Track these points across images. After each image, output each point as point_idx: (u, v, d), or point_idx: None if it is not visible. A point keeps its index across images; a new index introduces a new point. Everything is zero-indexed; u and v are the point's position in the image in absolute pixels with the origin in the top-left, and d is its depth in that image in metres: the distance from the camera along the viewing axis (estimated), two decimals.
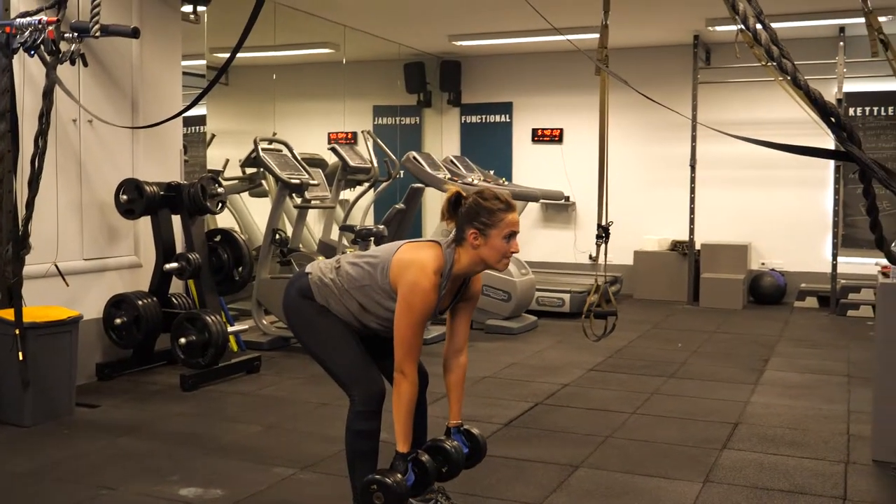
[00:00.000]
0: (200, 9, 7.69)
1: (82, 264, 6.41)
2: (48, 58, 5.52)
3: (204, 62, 8.47)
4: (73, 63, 5.50)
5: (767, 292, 10.92)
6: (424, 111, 12.76)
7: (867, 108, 10.56)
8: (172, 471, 4.48)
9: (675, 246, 11.25)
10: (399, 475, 3.32)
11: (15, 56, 5.50)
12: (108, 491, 4.19)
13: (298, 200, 7.98)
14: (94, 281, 6.51)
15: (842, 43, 10.00)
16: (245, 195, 9.61)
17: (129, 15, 6.67)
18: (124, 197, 6.46)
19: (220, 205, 6.77)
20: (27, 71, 5.85)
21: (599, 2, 5.63)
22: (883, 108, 10.51)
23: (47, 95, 5.62)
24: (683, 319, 9.78)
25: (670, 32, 10.62)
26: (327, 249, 8.60)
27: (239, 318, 8.04)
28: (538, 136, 12.38)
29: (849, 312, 10.00)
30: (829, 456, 4.82)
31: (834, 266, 10.29)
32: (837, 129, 3.66)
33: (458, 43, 11.28)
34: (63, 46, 5.44)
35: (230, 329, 6.65)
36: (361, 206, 9.15)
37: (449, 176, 8.98)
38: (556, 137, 12.25)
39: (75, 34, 5.50)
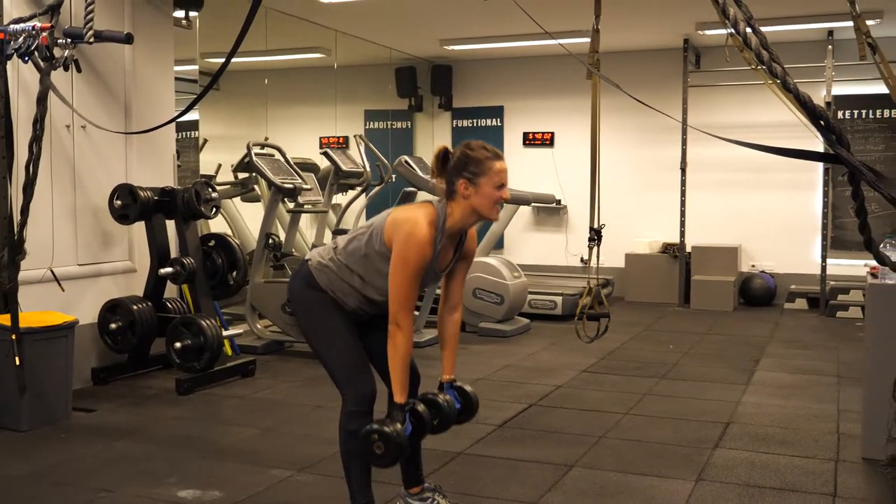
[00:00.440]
0: (192, 14, 7.72)
1: (77, 269, 6.43)
2: (42, 64, 5.55)
3: (196, 67, 8.50)
4: (66, 69, 5.53)
5: (758, 294, 10.99)
6: (416, 115, 12.80)
7: (856, 111, 10.64)
8: (170, 473, 4.51)
9: (667, 248, 11.31)
10: (398, 425, 3.35)
11: (8, 62, 5.53)
12: (107, 494, 4.22)
13: (291, 205, 8.02)
14: (88, 286, 6.53)
15: (831, 46, 10.09)
16: (237, 200, 9.63)
17: (121, 20, 6.70)
18: (118, 202, 6.49)
19: (214, 209, 6.80)
20: (20, 77, 5.87)
21: (590, 6, 5.67)
22: (871, 111, 10.59)
23: (41, 101, 5.66)
24: (675, 321, 9.84)
25: (661, 36, 10.68)
26: None
27: (233, 322, 8.06)
28: (529, 140, 12.44)
29: (838, 314, 10.07)
30: (819, 454, 4.87)
31: (823, 268, 10.36)
32: (826, 131, 3.72)
33: (450, 47, 11.33)
34: (57, 52, 5.46)
35: (225, 333, 6.68)
36: (354, 210, 9.19)
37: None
38: (547, 141, 12.31)
39: (69, 40, 5.52)
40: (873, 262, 4.73)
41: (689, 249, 11.13)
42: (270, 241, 7.80)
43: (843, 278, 10.32)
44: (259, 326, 7.88)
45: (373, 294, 3.56)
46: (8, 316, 5.33)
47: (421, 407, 3.50)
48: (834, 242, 10.61)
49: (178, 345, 6.26)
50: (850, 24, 5.03)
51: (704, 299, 10.75)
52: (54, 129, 6.18)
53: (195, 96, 8.08)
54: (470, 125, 12.78)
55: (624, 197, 11.40)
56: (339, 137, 11.21)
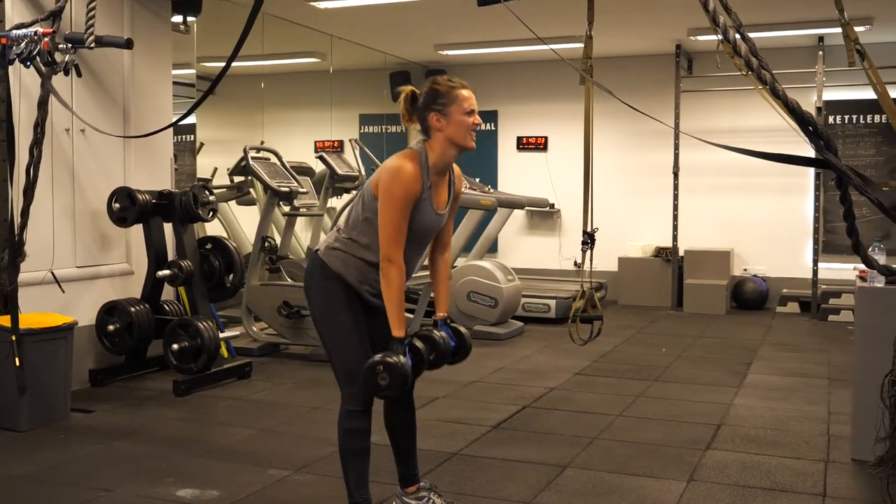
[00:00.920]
0: (190, 19, 7.78)
1: (75, 272, 6.48)
2: (44, 68, 5.61)
3: (193, 71, 8.56)
4: (66, 74, 5.58)
5: (750, 298, 11.07)
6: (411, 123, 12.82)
7: (846, 117, 10.74)
8: (168, 473, 4.57)
9: (659, 252, 11.39)
10: (401, 356, 3.41)
11: (10, 67, 5.60)
12: (106, 493, 4.28)
13: (287, 208, 8.08)
14: (86, 288, 6.58)
15: (821, 52, 10.18)
16: (233, 203, 9.69)
17: (120, 26, 6.76)
18: (117, 205, 6.55)
19: (211, 213, 6.86)
20: (21, 81, 5.93)
21: (583, 12, 5.74)
22: (862, 117, 10.69)
23: (42, 105, 5.72)
24: (667, 325, 9.92)
25: (653, 42, 10.76)
26: None
27: (228, 324, 8.12)
28: (523, 144, 12.51)
29: (830, 317, 10.16)
30: (809, 455, 4.95)
31: (815, 272, 10.45)
32: (815, 137, 3.80)
33: (444, 52, 11.40)
34: (58, 57, 5.53)
35: (221, 335, 6.73)
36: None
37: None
38: (540, 145, 12.39)
39: (70, 45, 5.59)
40: (863, 266, 4.83)
41: (681, 253, 11.20)
42: (266, 244, 7.86)
43: (835, 282, 10.41)
44: (255, 329, 7.93)
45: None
46: (8, 317, 5.39)
47: (419, 343, 3.59)
48: (825, 247, 10.70)
49: (175, 346, 6.32)
50: (840, 30, 5.10)
51: (697, 303, 10.83)
52: (54, 133, 6.24)
53: (192, 100, 8.17)
54: None
55: (617, 201, 11.48)
56: (334, 141, 11.28)
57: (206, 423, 5.64)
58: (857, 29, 5.52)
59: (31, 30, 5.46)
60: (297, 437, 5.27)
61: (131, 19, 6.89)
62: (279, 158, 8.13)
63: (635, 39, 10.66)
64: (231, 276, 7.06)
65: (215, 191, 8.10)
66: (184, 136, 8.88)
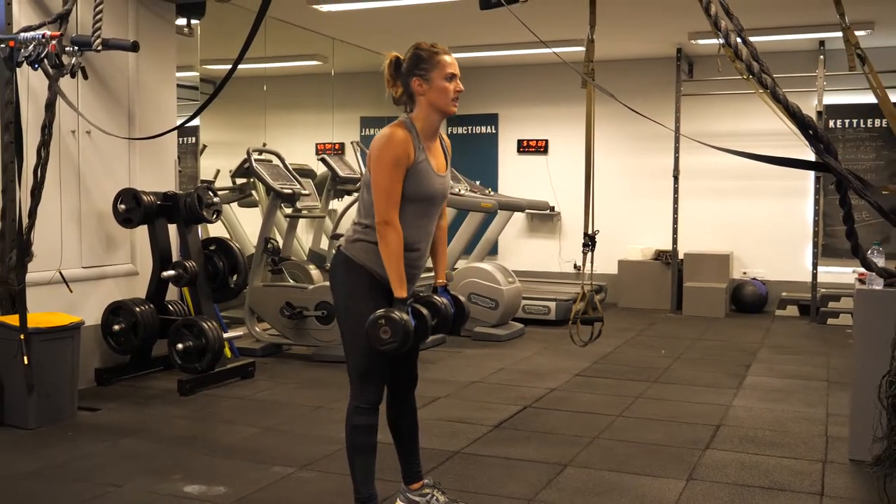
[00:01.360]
0: (194, 22, 7.84)
1: (81, 272, 6.54)
2: (51, 71, 5.68)
3: (197, 74, 8.62)
4: (73, 76, 5.66)
5: (749, 301, 11.12)
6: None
7: (847, 121, 10.79)
8: (175, 470, 4.63)
9: (659, 255, 11.44)
10: (404, 314, 3.46)
11: (17, 69, 5.65)
12: (115, 489, 4.34)
13: (289, 210, 8.14)
14: (92, 288, 6.64)
15: (822, 56, 10.24)
16: (234, 205, 9.74)
17: (125, 28, 6.82)
18: (122, 206, 6.61)
19: (215, 214, 6.91)
20: (29, 83, 5.99)
21: (583, 15, 5.78)
22: (862, 121, 10.75)
23: (50, 107, 5.79)
24: (667, 327, 9.97)
25: (654, 45, 10.82)
26: (317, 258, 8.77)
27: (231, 325, 8.17)
28: (524, 147, 12.57)
29: (829, 321, 10.21)
30: (807, 455, 5.01)
31: (814, 275, 10.51)
32: (815, 140, 3.85)
33: None
34: (65, 60, 5.60)
35: (224, 335, 6.78)
36: (351, 215, 9.30)
37: None
38: (541, 148, 12.45)
39: (76, 48, 5.66)
40: (862, 269, 4.88)
41: (681, 256, 11.26)
42: (269, 245, 7.91)
43: (834, 286, 10.47)
44: (258, 329, 7.99)
45: (410, 238, 3.65)
46: (16, 316, 5.45)
47: (423, 309, 3.64)
48: (825, 250, 10.76)
49: (180, 346, 6.38)
50: (841, 34, 5.16)
51: (696, 306, 10.88)
52: (60, 135, 6.29)
53: (195, 102, 8.23)
54: (465, 132, 12.91)
55: (617, 204, 11.55)
56: (335, 143, 11.33)
57: (210, 421, 5.69)
58: (857, 33, 5.57)
59: (39, 33, 5.53)
60: (301, 436, 5.33)
61: (136, 22, 6.95)
62: (282, 160, 8.19)
63: (636, 43, 10.72)
64: (235, 276, 7.12)
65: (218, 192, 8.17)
66: (186, 139, 8.93)
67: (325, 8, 8.72)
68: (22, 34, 5.56)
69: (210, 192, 6.87)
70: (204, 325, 6.38)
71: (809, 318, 10.47)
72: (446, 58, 3.67)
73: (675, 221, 11.16)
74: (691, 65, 11.37)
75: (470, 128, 12.90)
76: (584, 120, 5.94)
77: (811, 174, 10.68)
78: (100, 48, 5.61)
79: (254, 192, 9.45)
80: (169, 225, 6.90)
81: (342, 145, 11.27)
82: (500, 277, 8.90)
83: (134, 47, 5.80)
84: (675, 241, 11.19)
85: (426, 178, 3.63)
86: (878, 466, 4.21)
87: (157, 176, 7.18)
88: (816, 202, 10.67)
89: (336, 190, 9.24)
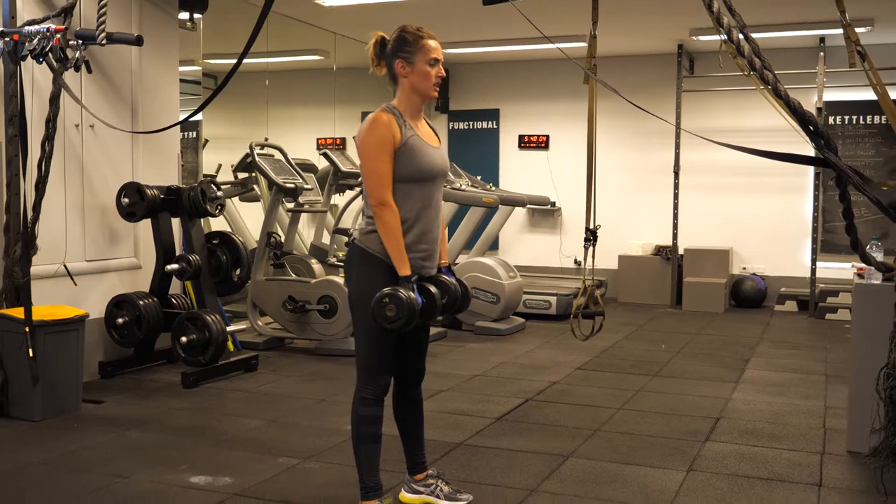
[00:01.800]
0: (197, 16, 7.87)
1: (85, 265, 6.58)
2: (55, 64, 5.71)
3: (199, 68, 8.65)
4: (77, 70, 5.68)
5: (749, 296, 11.17)
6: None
7: (847, 117, 10.84)
8: (181, 461, 4.67)
9: (659, 251, 11.49)
10: (410, 292, 3.51)
11: (21, 63, 5.69)
12: (122, 479, 4.38)
13: (291, 205, 8.18)
14: (95, 282, 6.68)
15: (822, 53, 10.28)
16: (236, 199, 9.78)
17: (129, 22, 6.85)
18: (126, 200, 6.64)
19: (219, 208, 6.95)
20: (33, 77, 6.03)
21: (585, 11, 5.81)
22: (862, 117, 10.79)
23: (54, 101, 5.83)
24: (667, 322, 10.02)
25: (655, 41, 10.86)
26: (319, 253, 8.81)
27: (233, 319, 8.20)
28: (525, 143, 12.61)
29: (827, 316, 10.26)
30: (806, 447, 5.05)
31: (813, 271, 10.56)
32: (815, 136, 3.90)
33: (447, 50, 11.46)
34: (69, 53, 5.63)
35: (227, 329, 6.82)
36: (352, 210, 9.35)
37: None
38: (542, 144, 12.48)
39: (81, 42, 5.69)
40: (861, 264, 4.93)
41: (681, 251, 11.31)
42: (271, 239, 7.95)
43: (833, 281, 10.52)
44: (260, 323, 8.03)
45: (419, 218, 3.70)
46: (21, 309, 5.49)
47: (432, 287, 3.68)
48: (824, 246, 10.81)
49: (183, 339, 6.42)
50: (841, 31, 5.19)
51: (696, 301, 10.93)
52: (64, 129, 6.33)
53: (198, 97, 8.27)
54: (466, 127, 12.95)
55: (618, 199, 11.58)
56: (337, 138, 11.37)
57: (215, 413, 5.73)
58: (858, 30, 5.60)
59: (44, 26, 5.56)
60: (305, 428, 5.37)
61: (139, 16, 6.98)
62: (284, 155, 8.23)
63: (638, 39, 10.75)
64: (238, 270, 7.16)
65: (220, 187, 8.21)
66: (188, 133, 8.96)
67: (327, 3, 8.75)
68: (26, 28, 5.59)
69: (213, 186, 6.91)
70: (207, 318, 6.42)
71: (808, 313, 10.52)
72: (431, 42, 3.72)
73: (676, 217, 11.20)
74: (692, 61, 11.40)
75: (471, 123, 12.93)
76: (584, 116, 5.99)
77: (811, 170, 10.73)
78: (104, 42, 5.63)
79: (256, 186, 9.49)
80: (172, 219, 6.94)
81: (344, 140, 11.31)
82: (502, 272, 8.94)
83: (138, 41, 5.83)
84: (675, 237, 11.24)
85: (421, 152, 3.68)
86: (874, 457, 4.26)
87: (161, 170, 7.22)
88: (816, 198, 10.71)
89: (338, 184, 9.27)
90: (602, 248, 6.88)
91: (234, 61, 5.77)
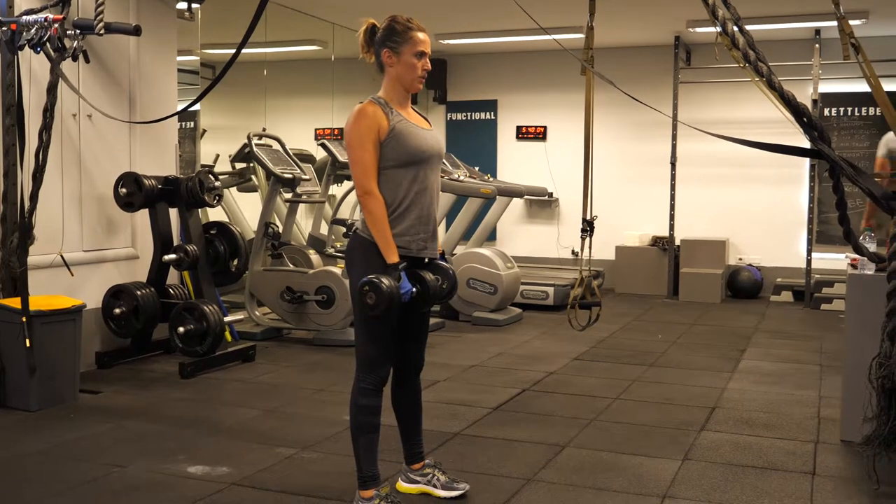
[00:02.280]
0: (195, 6, 7.87)
1: (82, 255, 6.59)
2: (53, 54, 5.71)
3: (197, 58, 8.65)
4: (75, 59, 5.68)
5: (745, 287, 11.20)
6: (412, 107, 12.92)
7: (842, 109, 10.85)
8: (179, 451, 4.69)
9: (656, 241, 11.51)
10: (393, 281, 3.54)
11: (20, 52, 5.70)
12: (119, 469, 4.40)
13: (289, 195, 8.19)
14: (92, 272, 6.69)
15: (817, 45, 10.29)
16: (234, 190, 9.79)
17: (126, 12, 6.85)
18: (123, 190, 6.65)
19: (216, 198, 6.96)
20: (31, 66, 6.03)
21: (583, 3, 5.83)
22: (857, 109, 10.81)
23: (52, 91, 5.83)
24: (663, 312, 10.05)
25: (652, 33, 10.86)
26: (317, 243, 8.82)
27: (231, 309, 8.22)
28: (522, 134, 12.62)
29: (822, 306, 10.29)
30: (800, 436, 5.09)
31: (808, 261, 10.58)
32: (809, 128, 3.92)
33: (445, 41, 11.48)
34: (67, 43, 5.62)
35: (225, 319, 6.84)
36: (350, 200, 9.35)
37: None
38: (539, 135, 12.49)
39: (78, 31, 5.68)
40: (854, 254, 4.96)
41: (678, 242, 11.33)
42: (270, 230, 7.96)
43: (828, 272, 10.54)
44: (258, 313, 8.05)
45: (415, 202, 3.73)
46: (18, 299, 5.51)
47: (429, 275, 3.73)
48: (819, 237, 10.84)
49: (181, 329, 6.43)
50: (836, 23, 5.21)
51: (693, 291, 10.96)
52: (62, 118, 6.33)
53: (196, 87, 8.27)
54: (464, 118, 12.96)
55: (615, 190, 11.59)
56: (335, 129, 11.37)
57: (212, 403, 5.75)
58: (852, 22, 5.63)
59: (42, 16, 5.56)
60: (303, 418, 5.40)
61: (137, 6, 6.98)
62: (282, 145, 8.24)
63: (635, 31, 10.76)
64: (235, 260, 7.18)
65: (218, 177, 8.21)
66: (186, 123, 8.96)
67: None
68: (24, 17, 5.59)
69: (211, 177, 6.92)
70: (205, 308, 6.44)
71: (804, 303, 10.56)
72: (419, 35, 3.74)
73: (672, 208, 11.22)
74: (689, 52, 11.41)
75: (469, 114, 12.94)
76: (582, 107, 5.98)
77: (806, 162, 10.74)
78: (102, 32, 5.64)
79: (254, 176, 9.50)
80: (170, 209, 6.94)
81: (342, 130, 11.31)
82: (499, 263, 8.96)
83: (136, 31, 5.83)
84: (671, 228, 11.26)
85: (411, 135, 3.70)
86: (867, 446, 4.29)
87: (158, 160, 7.23)
88: (811, 189, 10.74)
89: (336, 175, 9.28)
90: (599, 239, 6.90)
91: (233, 51, 5.77)
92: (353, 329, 3.93)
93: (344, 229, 8.37)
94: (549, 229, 12.41)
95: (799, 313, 10.04)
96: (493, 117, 12.78)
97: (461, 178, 9.19)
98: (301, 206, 9.33)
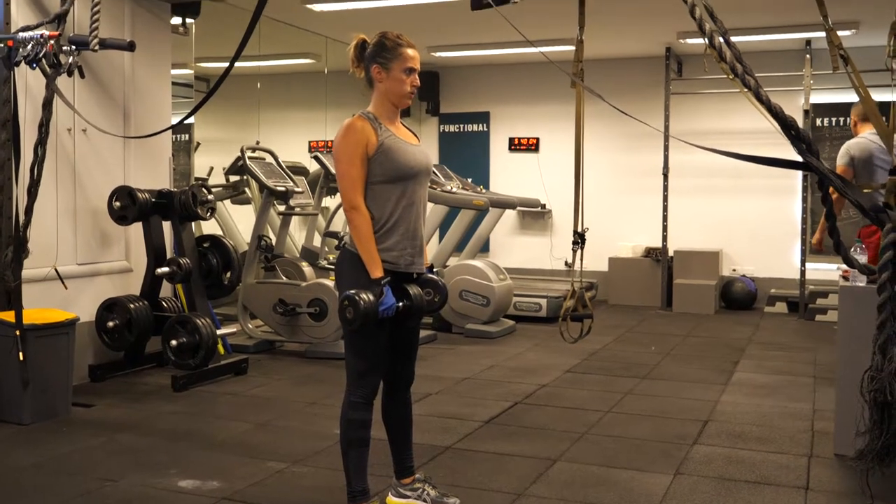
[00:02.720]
0: (189, 21, 7.90)
1: (76, 269, 6.59)
2: (49, 70, 5.72)
3: (191, 72, 8.67)
4: (70, 75, 5.71)
5: (738, 298, 11.21)
6: (403, 120, 12.94)
7: (833, 119, 10.89)
8: (170, 465, 4.69)
9: (649, 253, 11.53)
10: (372, 296, 3.55)
11: (15, 68, 5.71)
12: (111, 483, 4.40)
13: (282, 208, 8.20)
14: (86, 285, 6.69)
15: (808, 55, 10.33)
16: (227, 202, 9.79)
17: (121, 28, 6.87)
18: (117, 204, 6.66)
19: (210, 212, 6.97)
20: (26, 82, 6.04)
21: (573, 15, 5.84)
22: (848, 119, 10.80)
23: (47, 106, 5.83)
24: (657, 324, 10.06)
25: (643, 44, 10.90)
26: (310, 255, 8.82)
27: (224, 322, 8.22)
28: (515, 145, 12.64)
29: (816, 317, 10.31)
30: (793, 450, 5.09)
31: (802, 272, 10.60)
32: (797, 140, 3.93)
33: (437, 54, 11.51)
34: (62, 59, 5.65)
35: (218, 332, 6.84)
36: (343, 213, 9.35)
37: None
38: (532, 146, 12.52)
39: (74, 47, 5.71)
40: (846, 266, 4.96)
41: (671, 254, 11.35)
42: (263, 243, 7.96)
43: (822, 283, 10.56)
44: (250, 326, 8.05)
45: (403, 217, 3.75)
46: (12, 312, 5.51)
47: (415, 289, 3.75)
48: (813, 248, 10.83)
49: (174, 342, 6.44)
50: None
51: (686, 303, 10.97)
52: (57, 133, 6.34)
53: (190, 100, 8.29)
54: (456, 130, 12.98)
55: (607, 202, 11.62)
56: (328, 141, 11.39)
57: (204, 417, 5.75)
58: (843, 33, 5.66)
59: (37, 32, 5.60)
60: (295, 432, 5.40)
61: (132, 21, 7.00)
62: (275, 158, 8.25)
63: (626, 42, 10.80)
64: (228, 273, 7.18)
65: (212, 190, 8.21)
66: (180, 136, 8.97)
67: (318, 7, 8.79)
68: (20, 34, 5.62)
69: (204, 190, 6.93)
70: (198, 321, 6.44)
71: (798, 314, 10.57)
72: (409, 51, 3.77)
73: (665, 219, 11.24)
74: (680, 64, 11.44)
75: (461, 125, 12.96)
76: (574, 119, 6.01)
77: (799, 173, 10.76)
78: (97, 48, 5.66)
79: (247, 189, 9.50)
80: (163, 222, 6.95)
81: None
82: (492, 275, 8.97)
83: (130, 47, 5.86)
84: (664, 239, 11.28)
85: (399, 152, 3.73)
86: (860, 460, 4.29)
87: (152, 173, 7.24)
88: (804, 200, 10.77)
89: (329, 187, 9.29)
90: (592, 251, 6.91)
91: (227, 64, 5.80)
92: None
93: (336, 242, 8.37)
94: (542, 241, 12.42)
95: (793, 324, 10.06)
96: (485, 129, 12.81)
97: (454, 189, 9.20)
98: (294, 219, 9.33)
